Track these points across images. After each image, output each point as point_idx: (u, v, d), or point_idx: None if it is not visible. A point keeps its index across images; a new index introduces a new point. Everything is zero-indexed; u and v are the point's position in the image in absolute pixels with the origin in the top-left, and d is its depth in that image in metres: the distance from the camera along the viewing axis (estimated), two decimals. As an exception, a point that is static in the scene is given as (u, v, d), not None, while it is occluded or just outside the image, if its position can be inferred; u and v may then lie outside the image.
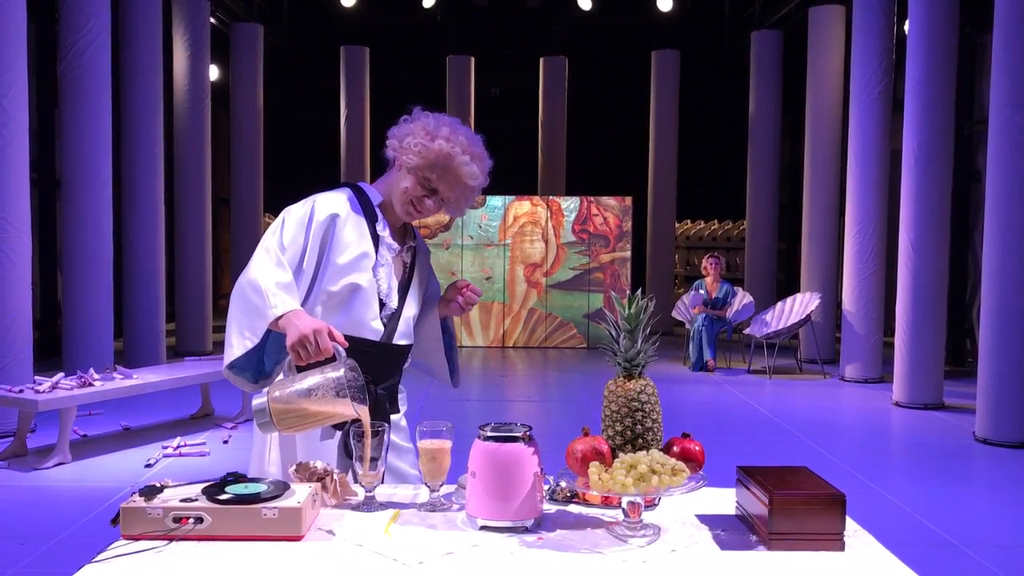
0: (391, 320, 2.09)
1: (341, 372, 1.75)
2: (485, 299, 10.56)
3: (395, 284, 2.10)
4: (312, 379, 1.75)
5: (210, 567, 1.40)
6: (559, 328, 10.69)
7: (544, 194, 12.28)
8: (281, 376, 1.84)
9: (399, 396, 2.20)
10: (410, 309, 2.14)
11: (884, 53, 8.12)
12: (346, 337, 1.91)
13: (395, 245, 2.10)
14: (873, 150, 8.12)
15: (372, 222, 2.07)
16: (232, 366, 2.00)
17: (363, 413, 1.74)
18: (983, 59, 9.06)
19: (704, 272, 9.38)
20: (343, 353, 1.82)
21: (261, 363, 2.08)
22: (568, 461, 1.65)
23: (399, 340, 2.11)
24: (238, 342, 1.94)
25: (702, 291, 9.29)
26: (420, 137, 2.01)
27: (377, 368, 2.04)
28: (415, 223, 2.23)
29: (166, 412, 6.38)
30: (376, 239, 2.06)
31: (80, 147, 6.99)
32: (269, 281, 1.91)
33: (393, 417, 2.14)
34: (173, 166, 9.60)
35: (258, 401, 1.75)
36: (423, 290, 2.23)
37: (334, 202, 2.05)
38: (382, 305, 2.07)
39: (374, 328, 2.05)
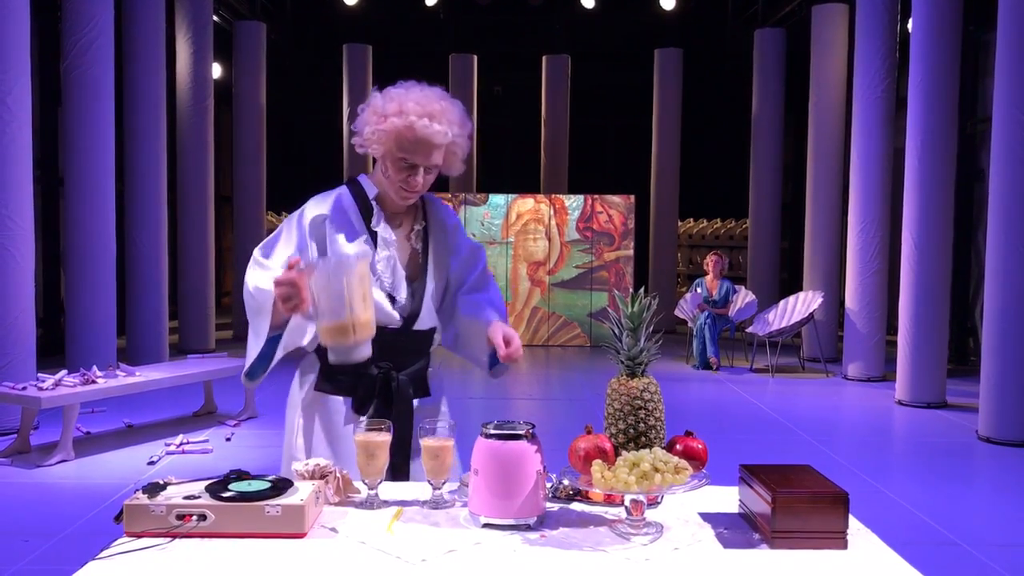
0: (411, 304, 2.06)
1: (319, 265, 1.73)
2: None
3: (402, 274, 2.06)
4: (317, 289, 1.73)
5: (213, 564, 1.40)
6: (563, 327, 10.68)
7: (547, 192, 12.28)
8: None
9: (431, 381, 2.16)
10: (432, 289, 2.10)
11: (887, 51, 8.11)
12: None
13: (392, 237, 2.06)
14: (876, 148, 8.11)
15: (368, 216, 2.05)
16: (252, 375, 1.99)
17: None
18: (986, 57, 9.04)
19: (705, 269, 9.39)
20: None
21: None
22: (571, 459, 1.65)
23: (421, 325, 2.08)
24: (254, 343, 1.95)
25: (698, 290, 9.29)
26: (373, 123, 1.96)
27: (398, 354, 2.04)
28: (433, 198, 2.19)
29: (169, 409, 6.39)
30: (373, 235, 2.04)
31: (83, 145, 7.00)
32: (259, 281, 1.92)
33: (427, 400, 2.12)
34: (176, 164, 9.60)
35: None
36: (447, 267, 2.15)
37: (321, 205, 2.04)
38: (392, 300, 2.04)
39: (387, 318, 2.03)
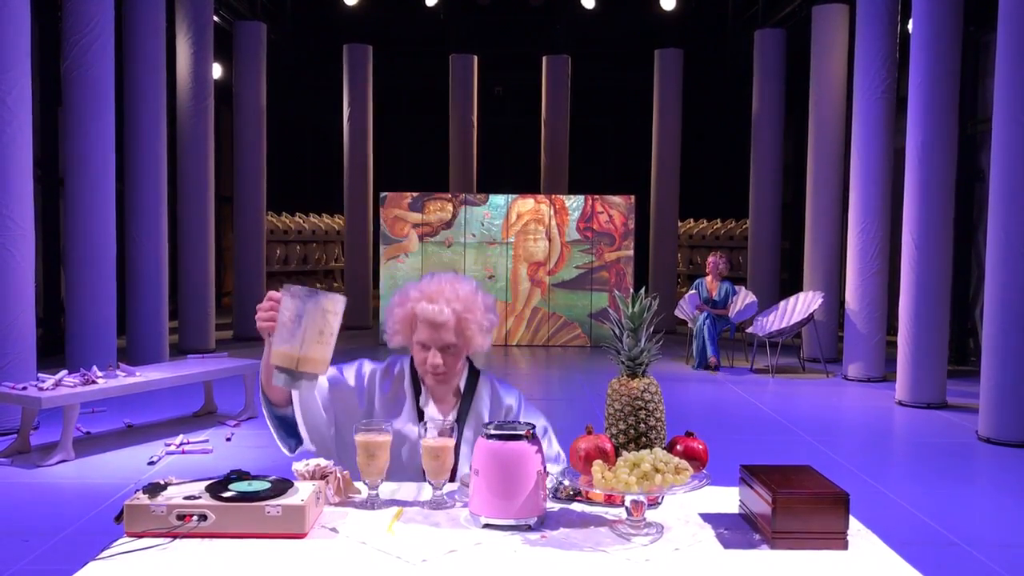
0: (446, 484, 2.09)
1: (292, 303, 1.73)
2: (488, 297, 10.52)
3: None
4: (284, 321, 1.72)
5: (214, 565, 1.40)
6: (563, 328, 10.68)
7: (547, 192, 12.27)
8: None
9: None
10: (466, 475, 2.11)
11: (888, 51, 8.11)
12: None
13: (440, 418, 2.10)
14: (876, 148, 8.11)
15: (416, 395, 2.12)
16: (291, 448, 2.07)
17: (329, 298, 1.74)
18: (987, 57, 9.04)
19: (707, 270, 9.39)
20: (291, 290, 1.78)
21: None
22: (571, 459, 1.65)
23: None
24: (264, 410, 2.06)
25: (693, 291, 9.29)
26: (390, 314, 2.12)
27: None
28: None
29: (169, 410, 6.39)
30: (420, 413, 2.09)
31: (83, 145, 7.00)
32: None
33: None
34: (176, 164, 9.60)
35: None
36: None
37: (376, 364, 2.17)
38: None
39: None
